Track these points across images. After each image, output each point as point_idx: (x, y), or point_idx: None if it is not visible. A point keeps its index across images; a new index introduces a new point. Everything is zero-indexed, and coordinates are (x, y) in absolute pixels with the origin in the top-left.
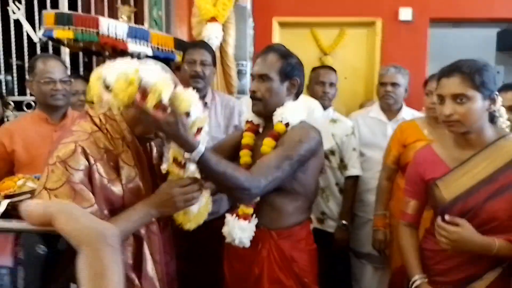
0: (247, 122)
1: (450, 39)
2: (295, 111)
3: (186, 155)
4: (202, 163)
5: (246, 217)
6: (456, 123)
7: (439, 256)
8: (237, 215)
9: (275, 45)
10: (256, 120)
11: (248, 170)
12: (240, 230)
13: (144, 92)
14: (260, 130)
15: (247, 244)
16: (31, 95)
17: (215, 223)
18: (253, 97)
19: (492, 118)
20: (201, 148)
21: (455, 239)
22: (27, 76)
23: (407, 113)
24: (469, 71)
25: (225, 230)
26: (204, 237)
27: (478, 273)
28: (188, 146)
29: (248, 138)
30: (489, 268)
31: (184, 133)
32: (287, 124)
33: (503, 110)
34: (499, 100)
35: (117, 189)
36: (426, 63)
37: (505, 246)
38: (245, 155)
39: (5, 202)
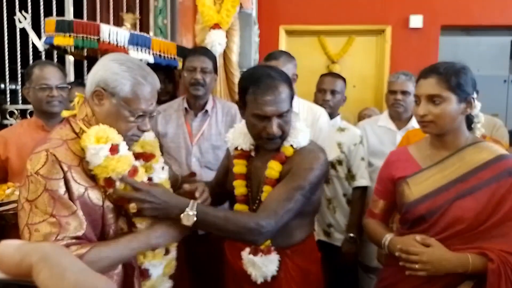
0: (236, 149)
1: (461, 47)
2: (304, 132)
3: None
4: (200, 218)
5: (267, 250)
6: (430, 124)
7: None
8: (255, 250)
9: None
10: (246, 146)
11: (247, 206)
12: (265, 266)
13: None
14: (252, 153)
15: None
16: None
17: (210, 236)
18: (276, 135)
19: (470, 124)
20: (192, 203)
21: (428, 260)
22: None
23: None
24: (445, 73)
25: (249, 270)
26: (204, 250)
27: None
28: (177, 210)
29: (240, 167)
30: (460, 281)
31: (164, 202)
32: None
33: (481, 116)
34: (477, 104)
35: (95, 196)
36: None
37: (479, 261)
38: (240, 186)
39: None
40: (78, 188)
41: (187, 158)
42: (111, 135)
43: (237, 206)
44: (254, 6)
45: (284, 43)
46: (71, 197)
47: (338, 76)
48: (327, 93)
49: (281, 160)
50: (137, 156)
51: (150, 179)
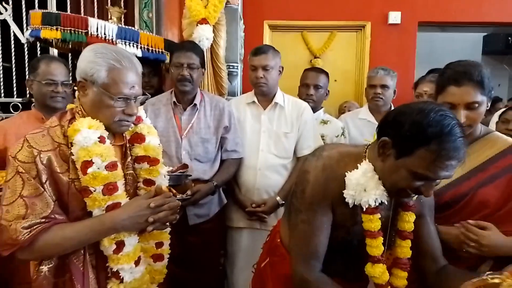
0: (372, 206)
1: (437, 42)
2: None
3: None
4: None
5: None
6: (467, 128)
7: None
8: None
9: None
10: (384, 198)
11: None
12: None
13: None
14: None
15: None
16: (17, 96)
17: (205, 226)
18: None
19: None
20: None
21: (486, 244)
22: (14, 78)
23: None
24: (479, 79)
25: None
26: (195, 241)
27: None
28: None
29: (376, 222)
30: (483, 261)
31: None
32: None
33: None
34: None
35: (65, 178)
36: (414, 65)
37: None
38: (378, 245)
39: None
40: (51, 167)
41: (177, 151)
42: (101, 127)
43: (377, 268)
44: (239, 1)
45: (268, 38)
46: (39, 180)
47: (321, 71)
48: (311, 88)
49: (412, 209)
50: (141, 159)
51: (149, 181)
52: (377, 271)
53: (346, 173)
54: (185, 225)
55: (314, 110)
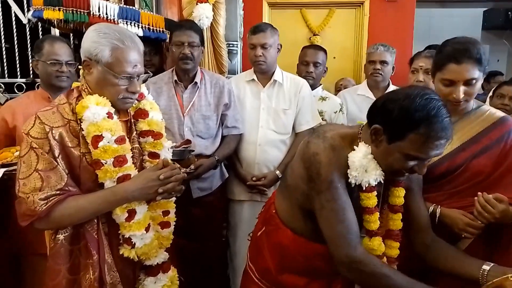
0: (368, 186)
1: (436, 18)
2: None
3: None
4: None
5: None
6: (464, 102)
7: None
8: None
9: None
10: (381, 178)
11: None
12: None
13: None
14: None
15: None
16: (21, 77)
17: (208, 199)
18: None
19: None
20: None
21: (500, 216)
22: (17, 58)
23: None
24: (478, 56)
25: None
26: (198, 213)
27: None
28: None
29: (373, 199)
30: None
31: None
32: None
33: None
34: None
35: (76, 152)
36: (412, 42)
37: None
38: (375, 220)
39: (1, 171)
40: (63, 142)
41: (180, 128)
42: (108, 104)
43: (375, 241)
44: None
45: (267, 15)
46: (52, 154)
47: (320, 48)
48: (310, 65)
49: (403, 185)
50: (145, 133)
51: (154, 154)
52: (375, 244)
53: (348, 155)
54: (188, 198)
55: (313, 87)
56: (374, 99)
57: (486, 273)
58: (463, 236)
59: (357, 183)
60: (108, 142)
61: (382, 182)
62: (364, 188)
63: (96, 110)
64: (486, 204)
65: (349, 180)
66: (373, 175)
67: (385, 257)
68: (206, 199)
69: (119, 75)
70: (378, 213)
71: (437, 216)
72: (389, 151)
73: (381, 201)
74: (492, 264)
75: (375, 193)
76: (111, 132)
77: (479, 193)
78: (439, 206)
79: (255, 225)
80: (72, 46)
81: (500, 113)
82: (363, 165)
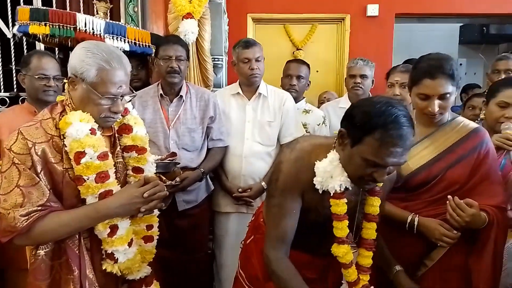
0: (338, 192)
1: (416, 33)
2: None
3: None
4: None
5: None
6: (439, 115)
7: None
8: None
9: None
10: (349, 184)
11: None
12: None
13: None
14: None
15: None
16: (5, 91)
17: (193, 211)
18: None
19: None
20: None
21: (470, 220)
22: (0, 72)
23: None
24: (451, 72)
25: None
26: (184, 226)
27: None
28: None
29: (342, 207)
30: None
31: None
32: None
33: None
34: None
35: (59, 168)
36: (391, 56)
37: (484, 218)
38: (343, 227)
39: None
40: (46, 158)
41: (165, 141)
42: (91, 120)
43: (342, 249)
44: None
45: (251, 31)
46: (35, 170)
47: (303, 62)
48: (293, 78)
49: (378, 194)
50: (129, 148)
51: (138, 169)
52: (341, 251)
53: (315, 163)
54: (174, 210)
55: (296, 100)
56: None
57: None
58: (438, 245)
59: (323, 189)
60: (91, 158)
61: (351, 188)
62: (331, 194)
63: (79, 127)
64: (456, 208)
65: (316, 186)
66: (337, 181)
67: (353, 265)
68: (192, 211)
69: (102, 96)
70: (347, 221)
71: (415, 225)
72: (352, 155)
73: (358, 210)
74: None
75: (344, 200)
76: (94, 148)
77: (449, 196)
78: (417, 216)
79: (246, 233)
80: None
81: (473, 124)
82: (327, 171)
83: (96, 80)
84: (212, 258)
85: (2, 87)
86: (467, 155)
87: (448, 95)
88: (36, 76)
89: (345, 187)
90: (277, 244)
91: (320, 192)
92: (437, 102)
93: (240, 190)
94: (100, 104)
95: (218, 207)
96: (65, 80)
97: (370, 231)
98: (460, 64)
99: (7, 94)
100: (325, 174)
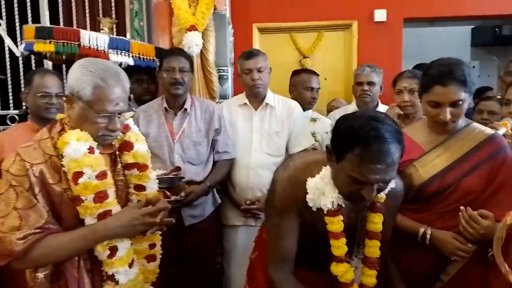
0: (332, 209)
1: (426, 37)
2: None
3: None
4: None
5: None
6: (452, 123)
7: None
8: None
9: None
10: (342, 201)
11: None
12: None
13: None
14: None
15: None
16: (14, 108)
17: (200, 226)
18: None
19: None
20: None
21: (485, 232)
22: (10, 90)
23: (383, 110)
24: (463, 78)
25: None
26: (191, 241)
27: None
28: None
29: (338, 225)
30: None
31: None
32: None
33: None
34: None
35: (58, 189)
36: (401, 61)
37: (502, 227)
38: (341, 246)
39: None
40: (43, 179)
41: (170, 155)
42: (90, 139)
43: (341, 267)
44: (227, 6)
45: (257, 40)
46: (32, 192)
47: (314, 72)
48: (314, 91)
49: (380, 211)
50: (130, 166)
51: (140, 186)
52: (340, 270)
53: (307, 179)
54: (181, 226)
55: (304, 109)
56: None
57: None
58: (452, 259)
59: (317, 206)
60: (89, 178)
61: (344, 205)
62: (325, 212)
63: (76, 146)
64: (469, 220)
65: (309, 204)
66: (330, 198)
67: (355, 284)
68: (199, 226)
69: (99, 114)
70: (345, 239)
71: (428, 238)
72: (338, 172)
73: (359, 227)
74: None
75: (340, 217)
76: (92, 168)
77: (461, 207)
78: (429, 228)
79: (253, 248)
80: (65, 77)
81: (489, 131)
82: (318, 188)
83: (92, 98)
84: (221, 272)
85: (11, 105)
86: (483, 163)
87: (460, 102)
88: (39, 94)
89: (338, 204)
90: (278, 264)
91: (314, 209)
92: (448, 109)
93: (248, 202)
94: (97, 123)
95: (226, 220)
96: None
97: (372, 249)
98: (473, 67)
99: (16, 111)
100: (316, 191)
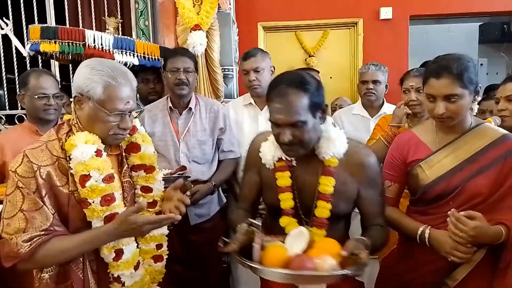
0: (280, 160)
1: (433, 34)
2: (340, 139)
3: None
4: None
5: None
6: (447, 119)
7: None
8: None
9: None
10: (280, 154)
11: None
12: None
13: None
14: (294, 163)
15: None
16: (22, 108)
17: (206, 225)
18: (289, 143)
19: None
20: None
21: (475, 234)
22: (17, 90)
23: (388, 108)
24: (458, 72)
25: None
26: (198, 240)
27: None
28: None
29: (285, 179)
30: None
31: None
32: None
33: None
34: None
35: (65, 191)
36: (407, 59)
37: (507, 232)
38: (287, 199)
39: None
40: (51, 181)
41: (176, 154)
42: (97, 141)
43: (285, 220)
44: (232, 5)
45: (262, 39)
46: (39, 194)
47: (316, 70)
48: None
49: (331, 174)
50: (137, 167)
51: (147, 188)
52: (285, 222)
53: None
54: (187, 225)
55: None
56: (370, 118)
57: None
58: (449, 259)
59: (266, 165)
60: (96, 181)
61: (295, 163)
62: (271, 168)
63: (84, 149)
64: (456, 223)
65: (262, 161)
66: (271, 153)
67: None
68: (205, 225)
69: (111, 112)
70: (291, 193)
71: (426, 238)
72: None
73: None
74: None
75: (288, 173)
76: (99, 171)
77: (450, 212)
78: (428, 227)
79: None
80: (72, 77)
81: (501, 131)
82: (266, 147)
83: (103, 97)
84: (229, 272)
85: (19, 105)
86: (492, 165)
87: (455, 97)
88: (36, 96)
89: (279, 158)
90: (236, 207)
91: (268, 167)
92: (442, 104)
93: None
94: (109, 122)
95: None
96: (70, 100)
97: (320, 209)
98: (481, 65)
99: (24, 111)
100: (264, 149)
